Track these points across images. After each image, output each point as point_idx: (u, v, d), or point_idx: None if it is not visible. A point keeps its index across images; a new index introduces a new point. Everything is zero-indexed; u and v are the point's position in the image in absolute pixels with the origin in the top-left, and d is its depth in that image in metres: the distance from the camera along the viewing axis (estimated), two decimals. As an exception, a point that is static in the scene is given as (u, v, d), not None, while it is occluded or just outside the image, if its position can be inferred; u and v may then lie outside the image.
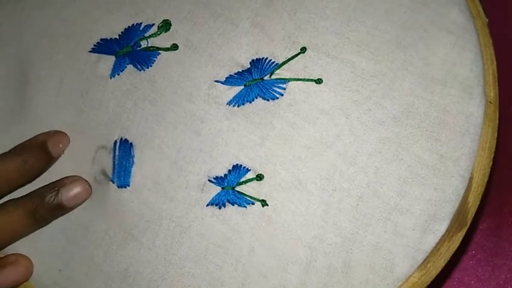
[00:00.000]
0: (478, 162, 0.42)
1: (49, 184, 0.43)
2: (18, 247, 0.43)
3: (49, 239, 0.43)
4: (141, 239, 0.43)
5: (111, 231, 0.43)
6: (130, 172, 0.43)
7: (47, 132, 0.44)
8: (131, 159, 0.44)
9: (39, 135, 0.44)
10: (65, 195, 0.43)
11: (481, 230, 0.68)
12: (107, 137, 0.44)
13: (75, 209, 0.43)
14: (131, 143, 0.44)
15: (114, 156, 0.44)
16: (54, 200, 0.42)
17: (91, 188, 0.44)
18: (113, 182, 0.43)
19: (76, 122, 0.45)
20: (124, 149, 0.44)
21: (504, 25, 0.67)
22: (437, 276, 0.41)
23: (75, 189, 0.43)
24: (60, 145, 0.44)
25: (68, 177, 0.43)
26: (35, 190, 0.43)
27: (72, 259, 0.43)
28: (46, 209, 0.42)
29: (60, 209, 0.43)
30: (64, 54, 0.46)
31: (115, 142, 0.44)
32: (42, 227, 0.43)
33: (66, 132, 0.45)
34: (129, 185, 0.43)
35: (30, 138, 0.44)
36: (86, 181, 0.44)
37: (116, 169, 0.44)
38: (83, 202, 0.43)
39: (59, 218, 0.43)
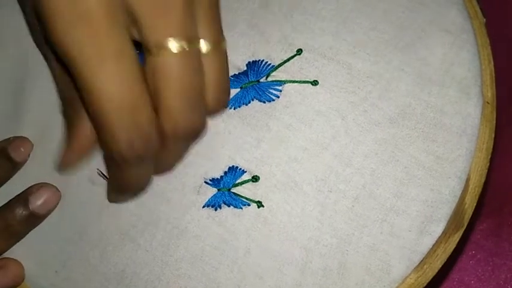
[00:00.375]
0: (475, 163, 0.41)
1: (16, 196, 0.43)
2: (15, 248, 0.43)
3: (46, 240, 0.43)
4: (138, 240, 0.42)
5: (107, 232, 0.43)
6: None
7: (6, 139, 0.44)
8: None
9: None
10: (35, 204, 0.42)
11: (481, 230, 0.67)
12: None
13: (72, 210, 0.43)
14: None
15: None
16: (24, 211, 0.42)
17: (60, 192, 0.43)
18: None
19: None
20: None
21: (503, 25, 0.67)
22: (436, 276, 0.41)
23: (44, 196, 0.42)
24: (22, 149, 0.43)
25: (34, 185, 0.43)
26: (4, 205, 0.43)
27: (68, 260, 0.43)
28: (18, 221, 0.42)
29: (33, 219, 0.43)
30: None
31: None
32: (19, 240, 0.43)
33: (61, 133, 0.44)
34: None
35: None
36: (53, 186, 0.43)
37: None
38: (55, 207, 0.43)
39: (56, 219, 0.43)
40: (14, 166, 0.44)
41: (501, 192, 0.67)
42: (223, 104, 0.39)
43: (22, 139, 0.44)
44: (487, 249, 0.67)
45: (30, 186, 0.43)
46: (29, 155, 0.44)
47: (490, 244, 0.67)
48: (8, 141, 0.44)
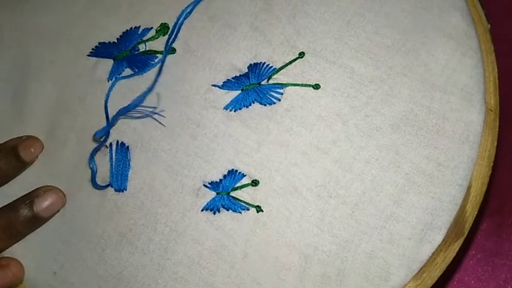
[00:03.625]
0: (476, 171, 0.39)
1: (22, 196, 0.41)
2: (14, 248, 0.41)
3: (45, 241, 0.41)
4: (136, 243, 0.40)
5: (106, 234, 0.41)
6: (127, 176, 0.41)
7: (19, 137, 0.42)
8: (128, 163, 0.42)
9: (10, 140, 0.42)
10: (40, 206, 0.41)
11: (481, 230, 0.66)
12: (104, 140, 0.42)
13: (71, 212, 0.41)
14: (127, 146, 0.42)
15: (111, 159, 0.42)
16: (28, 212, 0.40)
17: (65, 196, 0.42)
18: (111, 186, 0.41)
19: (72, 125, 0.43)
20: (121, 153, 0.42)
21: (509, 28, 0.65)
22: (437, 283, 0.39)
23: (50, 199, 0.41)
24: (32, 149, 0.42)
25: (41, 187, 0.41)
26: (8, 204, 0.41)
27: (66, 262, 0.41)
28: (21, 222, 0.40)
29: (36, 221, 0.41)
30: (63, 58, 0.44)
31: (111, 144, 0.42)
32: (19, 240, 0.41)
33: (62, 136, 0.43)
34: (126, 189, 0.41)
35: (1, 143, 0.42)
36: (59, 190, 0.41)
37: (113, 173, 0.41)
38: (58, 211, 0.41)
39: (55, 221, 0.41)
40: (22, 166, 0.42)
41: (501, 192, 0.65)
42: None
43: (34, 139, 0.42)
44: (487, 249, 0.65)
45: (37, 188, 0.41)
46: (37, 156, 0.42)
47: (490, 244, 0.65)
48: (20, 139, 0.42)
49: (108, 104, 0.42)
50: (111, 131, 0.42)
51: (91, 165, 0.41)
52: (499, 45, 0.43)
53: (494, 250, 0.65)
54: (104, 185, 0.41)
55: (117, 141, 0.42)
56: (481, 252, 0.65)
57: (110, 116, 0.42)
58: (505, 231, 0.65)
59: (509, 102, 0.65)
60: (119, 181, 0.41)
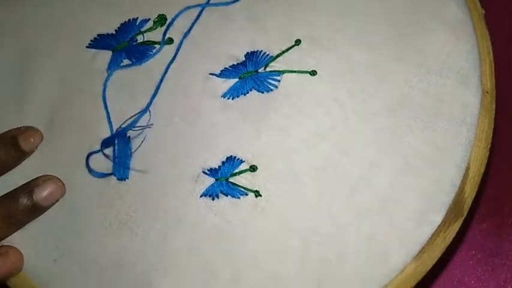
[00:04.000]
0: (474, 152, 0.39)
1: (22, 185, 0.41)
2: (14, 236, 0.41)
3: (45, 229, 0.41)
4: (136, 230, 0.40)
5: (105, 221, 0.41)
6: (129, 165, 0.41)
7: (19, 127, 0.42)
8: (129, 152, 0.41)
9: (10, 130, 0.42)
10: (39, 195, 0.40)
11: (481, 230, 0.65)
12: (104, 130, 0.42)
13: (71, 200, 0.41)
14: (129, 136, 0.42)
15: (114, 149, 0.42)
16: (28, 201, 0.40)
17: (64, 186, 0.41)
18: (114, 175, 0.41)
19: (72, 117, 0.43)
20: (122, 143, 0.42)
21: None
22: (436, 275, 0.38)
23: (49, 188, 0.41)
24: (32, 140, 0.42)
25: (40, 176, 0.41)
26: (8, 193, 0.41)
27: (67, 249, 0.41)
28: (21, 211, 0.40)
29: (36, 210, 0.41)
30: (63, 51, 0.44)
31: (113, 136, 0.42)
32: (18, 229, 0.41)
33: (62, 126, 0.43)
34: (128, 178, 0.41)
35: (0, 133, 0.42)
36: (59, 179, 0.41)
37: (115, 162, 0.41)
38: (58, 200, 0.41)
39: (55, 209, 0.41)
40: (22, 156, 0.42)
41: (501, 192, 0.65)
42: None
43: (34, 130, 0.42)
44: (487, 249, 0.64)
45: (37, 178, 0.41)
46: (37, 146, 0.42)
47: (490, 244, 0.65)
48: (20, 130, 0.42)
49: (107, 94, 0.42)
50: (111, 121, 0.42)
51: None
52: (496, 31, 0.44)
53: (494, 250, 0.64)
54: (106, 173, 0.41)
55: (118, 132, 0.42)
56: (481, 252, 0.64)
57: (110, 106, 0.42)
58: (505, 231, 0.65)
59: (509, 100, 0.65)
60: (121, 170, 0.41)
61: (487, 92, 0.40)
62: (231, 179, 0.40)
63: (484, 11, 0.42)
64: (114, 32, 0.44)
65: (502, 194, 0.65)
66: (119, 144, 0.42)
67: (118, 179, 0.41)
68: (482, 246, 0.65)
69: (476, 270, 0.64)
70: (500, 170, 0.64)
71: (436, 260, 0.38)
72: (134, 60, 0.43)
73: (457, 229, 0.38)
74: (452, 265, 0.64)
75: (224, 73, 0.42)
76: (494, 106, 0.40)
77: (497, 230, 0.65)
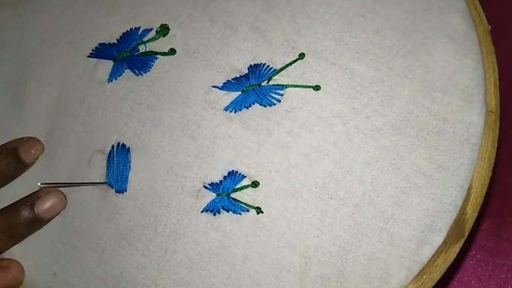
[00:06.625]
0: (477, 172, 0.39)
1: (23, 198, 0.41)
2: (15, 249, 0.41)
3: (45, 242, 0.41)
4: (136, 244, 0.40)
5: (106, 235, 0.40)
6: (127, 177, 0.41)
7: (19, 138, 0.42)
8: (128, 164, 0.41)
9: (11, 141, 0.42)
10: (40, 208, 0.40)
11: (481, 230, 0.65)
12: (104, 141, 0.42)
13: (71, 213, 0.41)
14: (128, 148, 0.41)
15: (113, 161, 0.41)
16: (29, 214, 0.40)
17: (66, 198, 0.41)
18: (112, 187, 0.41)
19: (72, 126, 0.42)
20: (121, 154, 0.41)
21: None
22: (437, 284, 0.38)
23: (51, 201, 0.41)
24: (33, 151, 0.42)
25: (41, 189, 0.41)
26: (9, 205, 0.41)
27: (67, 263, 0.41)
28: (22, 223, 0.40)
29: (37, 222, 0.41)
30: (63, 59, 0.44)
31: (112, 147, 0.41)
32: (19, 242, 0.41)
33: (62, 136, 0.42)
34: (126, 191, 0.41)
35: (1, 144, 0.42)
36: (60, 191, 0.41)
37: (114, 174, 0.41)
38: (59, 213, 0.41)
39: (55, 222, 0.41)
40: (22, 167, 0.42)
41: (501, 192, 0.65)
42: None
43: (35, 141, 0.42)
44: (487, 249, 0.64)
45: (38, 190, 0.41)
46: (38, 157, 0.42)
47: (490, 244, 0.65)
48: (21, 140, 0.42)
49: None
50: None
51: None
52: (499, 45, 0.43)
53: (494, 250, 0.64)
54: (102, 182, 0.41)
55: (118, 143, 0.41)
56: (481, 252, 0.64)
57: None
58: (505, 231, 0.65)
59: (509, 103, 0.64)
60: (119, 182, 0.41)
61: (491, 111, 0.39)
62: (233, 195, 0.40)
63: (490, 27, 0.41)
64: (115, 42, 0.43)
65: (502, 194, 0.65)
66: (118, 156, 0.41)
67: (116, 192, 0.41)
68: (482, 246, 0.65)
69: (476, 270, 0.64)
70: (500, 171, 0.64)
71: (437, 281, 0.38)
72: (136, 71, 0.42)
73: (458, 250, 0.38)
74: (453, 265, 0.64)
75: (227, 86, 0.41)
76: (498, 125, 0.40)
77: (497, 230, 0.65)
